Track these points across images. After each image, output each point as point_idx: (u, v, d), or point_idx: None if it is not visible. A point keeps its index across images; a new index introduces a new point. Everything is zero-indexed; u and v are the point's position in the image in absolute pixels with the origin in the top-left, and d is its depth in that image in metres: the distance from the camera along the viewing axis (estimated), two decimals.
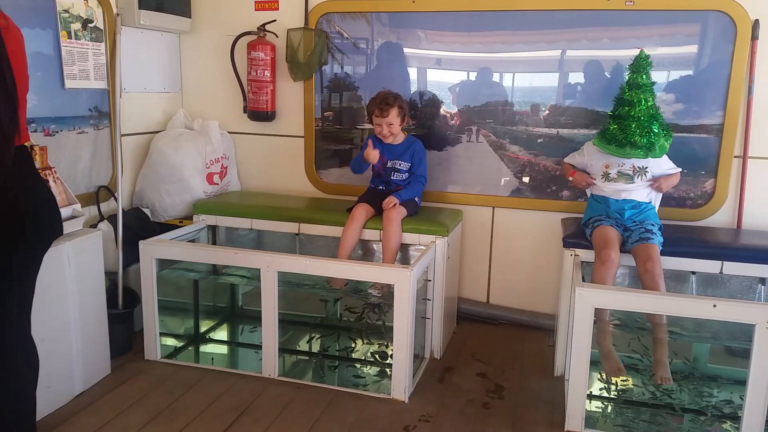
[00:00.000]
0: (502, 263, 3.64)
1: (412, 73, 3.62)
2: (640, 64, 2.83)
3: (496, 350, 3.30)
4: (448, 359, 3.19)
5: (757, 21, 3.03)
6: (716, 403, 2.77)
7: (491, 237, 3.63)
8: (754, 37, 3.04)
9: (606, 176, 2.94)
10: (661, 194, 2.99)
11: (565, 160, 3.22)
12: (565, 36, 3.33)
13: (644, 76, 2.81)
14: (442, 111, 3.58)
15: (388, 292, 2.86)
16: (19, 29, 1.90)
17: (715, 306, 2.33)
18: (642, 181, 2.90)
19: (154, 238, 3.07)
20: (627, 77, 2.89)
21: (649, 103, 2.81)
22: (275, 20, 3.66)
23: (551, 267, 3.46)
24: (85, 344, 2.72)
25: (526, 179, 3.49)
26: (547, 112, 3.42)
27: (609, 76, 3.28)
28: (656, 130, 2.78)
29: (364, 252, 3.40)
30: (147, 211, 3.47)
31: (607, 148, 2.86)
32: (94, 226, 3.12)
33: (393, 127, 3.23)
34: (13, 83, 1.77)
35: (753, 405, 2.35)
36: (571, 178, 3.10)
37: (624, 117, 2.82)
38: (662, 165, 2.93)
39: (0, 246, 1.83)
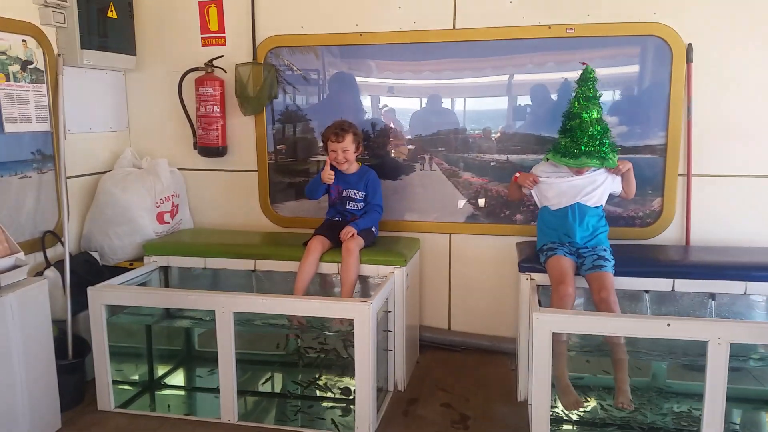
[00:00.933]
0: (462, 289, 3.66)
1: (365, 101, 3.64)
2: (588, 78, 2.87)
3: (459, 378, 3.29)
4: (412, 390, 3.16)
5: (690, 45, 3.16)
6: (674, 417, 2.81)
7: (449, 263, 3.64)
8: (689, 60, 3.16)
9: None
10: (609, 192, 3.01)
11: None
12: (512, 62, 3.40)
13: (592, 89, 2.86)
14: (392, 138, 3.60)
15: (348, 325, 2.83)
16: None
17: (669, 325, 2.38)
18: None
19: (103, 283, 2.97)
20: (575, 92, 2.92)
21: (598, 116, 2.85)
22: (222, 56, 3.64)
23: (509, 291, 3.48)
24: (32, 399, 2.60)
25: (481, 202, 3.51)
26: (498, 134, 3.47)
27: (555, 99, 3.36)
28: (607, 142, 2.83)
29: (323, 285, 3.36)
30: (95, 254, 3.37)
31: (562, 160, 2.89)
32: (40, 273, 3.01)
33: (348, 153, 3.23)
34: None
35: (710, 418, 2.39)
36: (517, 175, 3.06)
37: (575, 129, 2.85)
38: (614, 181, 3.00)
39: None
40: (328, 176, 3.20)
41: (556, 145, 2.96)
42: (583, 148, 2.82)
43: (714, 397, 2.37)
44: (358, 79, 3.61)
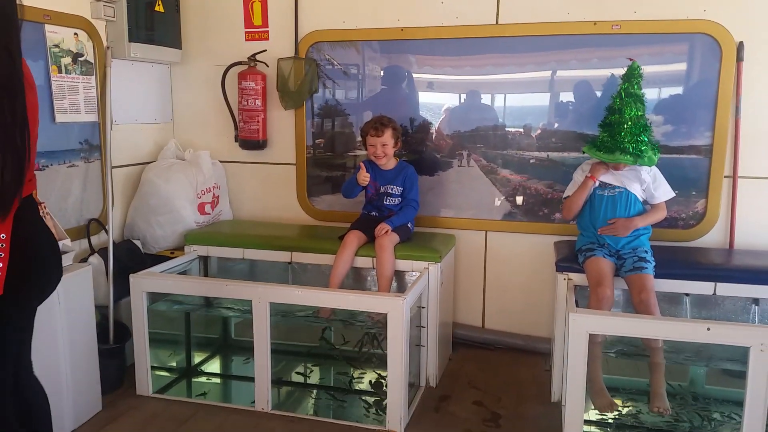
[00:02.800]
0: (497, 287, 3.63)
1: (406, 96, 3.63)
2: (633, 74, 2.82)
3: (492, 376, 3.27)
4: (444, 387, 3.16)
5: (741, 43, 3.06)
6: (715, 425, 2.74)
7: (485, 261, 3.62)
8: (739, 59, 3.07)
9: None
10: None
11: (566, 195, 3.06)
12: (555, 57, 3.36)
13: (636, 86, 2.80)
14: (434, 132, 3.59)
15: (381, 320, 2.84)
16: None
17: (709, 329, 2.33)
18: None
19: (145, 271, 3.05)
20: (619, 87, 2.86)
21: (639, 113, 2.78)
22: (265, 50, 3.69)
23: (545, 290, 3.44)
24: (76, 381, 2.69)
25: (519, 199, 3.48)
26: (539, 131, 3.42)
27: (599, 96, 3.30)
28: (645, 140, 2.77)
29: (357, 279, 3.38)
30: (138, 242, 3.46)
31: (597, 154, 2.85)
32: (84, 259, 3.10)
33: (387, 148, 3.24)
34: (23, 141, 1.69)
35: (751, 426, 2.33)
36: (589, 175, 2.91)
37: (614, 124, 2.80)
38: (658, 188, 2.93)
39: (12, 297, 1.80)
40: (363, 178, 3.21)
41: (595, 138, 2.92)
42: (619, 144, 2.77)
43: (755, 406, 2.31)
44: (398, 74, 3.60)
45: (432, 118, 3.59)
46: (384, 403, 2.78)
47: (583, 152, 2.99)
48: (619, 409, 2.78)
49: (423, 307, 3.07)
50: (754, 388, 2.30)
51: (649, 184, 2.90)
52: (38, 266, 1.86)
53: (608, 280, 2.73)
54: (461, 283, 3.65)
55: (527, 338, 3.57)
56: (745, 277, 2.79)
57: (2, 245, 1.70)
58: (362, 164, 3.27)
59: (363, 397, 3.09)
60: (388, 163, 3.31)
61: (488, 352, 3.58)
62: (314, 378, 3.33)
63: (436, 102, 3.61)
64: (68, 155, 3.13)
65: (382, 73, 3.63)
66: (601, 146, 2.84)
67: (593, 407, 2.64)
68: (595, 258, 2.81)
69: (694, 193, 3.22)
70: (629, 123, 2.76)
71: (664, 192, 2.93)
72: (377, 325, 2.94)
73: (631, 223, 2.86)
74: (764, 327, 2.60)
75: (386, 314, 2.68)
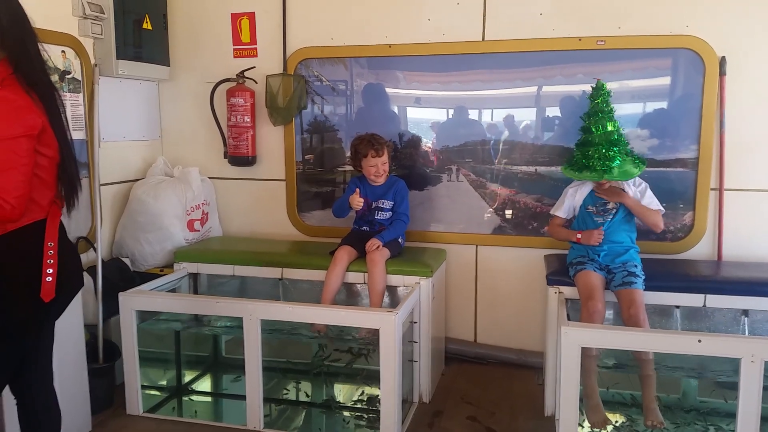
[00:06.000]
0: (488, 301, 3.63)
1: (393, 113, 3.65)
2: (598, 93, 2.90)
3: (485, 391, 3.26)
4: (437, 403, 3.15)
5: (723, 58, 3.11)
6: None
7: (476, 275, 3.62)
8: (722, 73, 3.12)
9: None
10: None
11: (553, 212, 3.10)
12: (541, 73, 3.39)
13: (601, 104, 2.88)
14: (423, 148, 3.61)
15: (372, 335, 2.83)
16: None
17: (700, 341, 2.34)
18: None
19: (134, 289, 3.03)
20: (588, 107, 2.95)
21: (608, 129, 2.85)
22: (254, 67, 3.70)
23: (537, 304, 3.45)
24: (64, 401, 2.60)
25: (508, 213, 3.50)
26: (530, 149, 3.45)
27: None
28: (612, 155, 2.82)
29: (350, 295, 3.37)
30: (127, 260, 3.43)
31: (570, 173, 2.94)
32: None
33: (386, 166, 3.26)
34: (71, 140, 1.99)
35: None
36: (579, 236, 2.94)
37: (585, 144, 2.89)
38: (643, 199, 2.95)
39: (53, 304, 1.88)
40: (357, 203, 3.20)
41: (571, 157, 3.01)
42: (584, 161, 2.85)
43: (747, 417, 2.32)
44: (386, 90, 3.62)
45: (421, 134, 3.60)
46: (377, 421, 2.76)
47: (562, 171, 3.04)
48: (613, 423, 2.78)
49: (415, 322, 3.06)
50: (746, 399, 2.31)
51: (635, 192, 2.93)
52: (64, 282, 1.91)
53: (599, 293, 2.74)
54: (453, 297, 3.65)
55: (519, 352, 3.57)
56: (734, 289, 2.82)
57: (51, 252, 1.81)
58: (357, 189, 3.25)
59: (356, 414, 3.07)
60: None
61: (481, 367, 3.57)
62: (306, 395, 3.30)
63: (424, 117, 3.63)
64: None
65: (369, 89, 3.64)
66: (573, 165, 2.93)
67: (587, 422, 2.63)
68: (586, 272, 2.83)
69: (681, 205, 3.25)
70: (597, 141, 2.85)
71: (649, 203, 2.93)
72: (366, 340, 2.93)
73: (622, 194, 2.88)
74: (755, 338, 2.63)
75: (378, 330, 2.67)
